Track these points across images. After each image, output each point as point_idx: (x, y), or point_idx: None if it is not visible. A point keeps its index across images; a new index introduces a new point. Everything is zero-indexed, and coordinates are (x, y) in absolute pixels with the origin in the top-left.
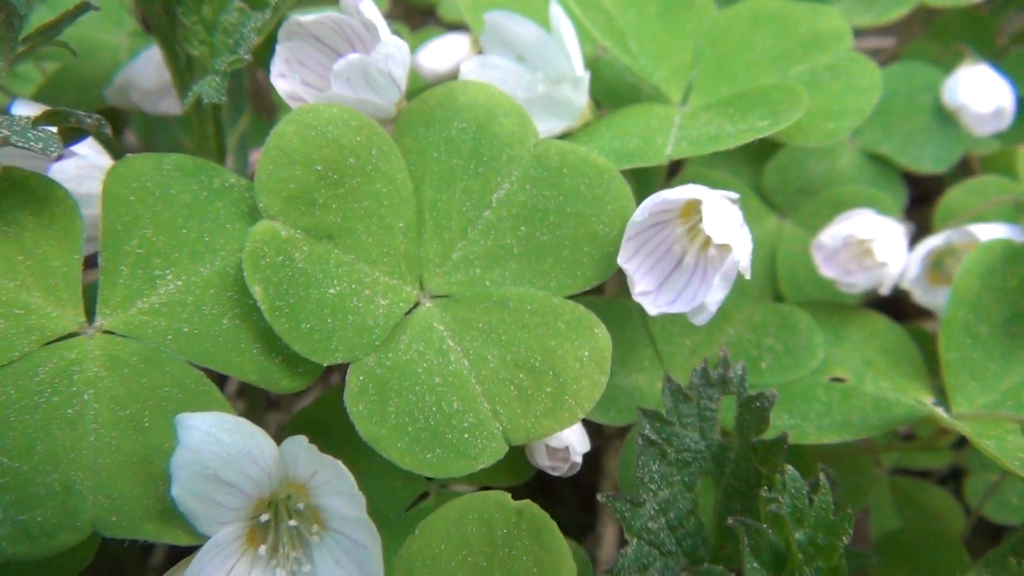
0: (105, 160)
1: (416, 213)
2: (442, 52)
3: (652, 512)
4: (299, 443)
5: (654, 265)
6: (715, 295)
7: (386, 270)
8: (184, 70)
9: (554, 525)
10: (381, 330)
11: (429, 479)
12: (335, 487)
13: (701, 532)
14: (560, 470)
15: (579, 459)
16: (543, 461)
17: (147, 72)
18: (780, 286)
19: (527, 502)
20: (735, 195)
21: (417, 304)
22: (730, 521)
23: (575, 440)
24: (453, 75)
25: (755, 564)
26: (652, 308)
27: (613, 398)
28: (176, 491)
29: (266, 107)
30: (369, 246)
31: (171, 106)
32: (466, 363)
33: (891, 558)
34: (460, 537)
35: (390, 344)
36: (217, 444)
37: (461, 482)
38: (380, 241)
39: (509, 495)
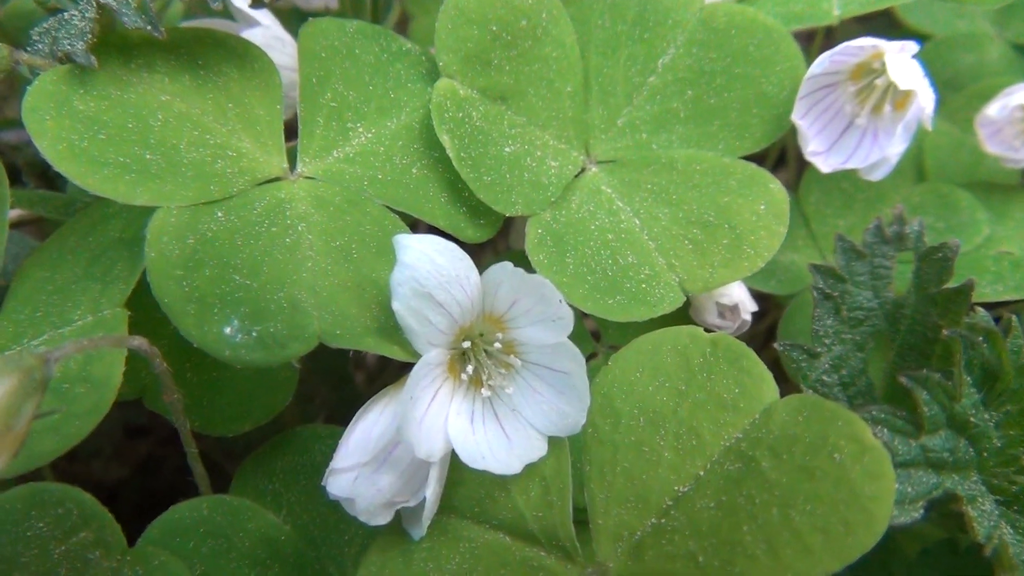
0: (284, 33)
1: (583, 79)
2: None
3: (827, 366)
4: (504, 268)
5: (824, 127)
6: (896, 146)
7: (555, 134)
8: None
9: (752, 352)
10: (555, 188)
11: (597, 340)
12: (535, 315)
13: (872, 392)
14: (730, 328)
15: (748, 316)
16: (712, 319)
17: None
18: (929, 179)
19: (721, 334)
20: (915, 47)
21: (584, 169)
22: (946, 333)
23: (745, 297)
24: None
25: (967, 378)
26: (824, 167)
27: (772, 271)
28: (396, 305)
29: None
30: (539, 109)
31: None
32: (637, 222)
33: None
34: (655, 366)
35: (563, 203)
36: (432, 264)
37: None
38: (549, 105)
39: (701, 328)
